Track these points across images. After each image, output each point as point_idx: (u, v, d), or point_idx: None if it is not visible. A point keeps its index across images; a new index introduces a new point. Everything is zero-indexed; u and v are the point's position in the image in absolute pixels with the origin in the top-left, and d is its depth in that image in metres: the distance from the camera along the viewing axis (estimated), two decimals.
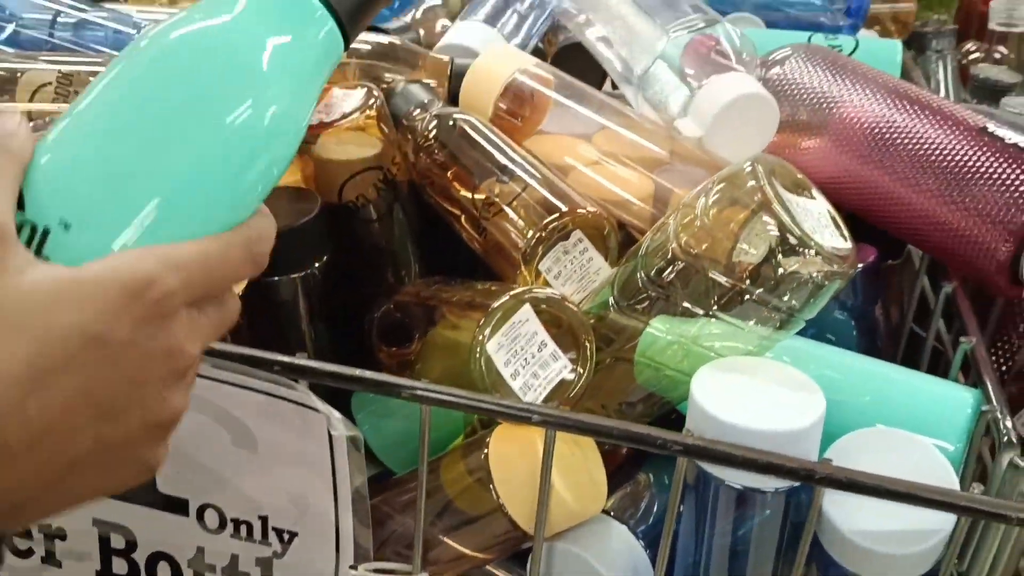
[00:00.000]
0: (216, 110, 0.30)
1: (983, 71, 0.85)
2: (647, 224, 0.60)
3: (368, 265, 0.63)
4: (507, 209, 0.55)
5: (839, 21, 0.84)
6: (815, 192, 0.50)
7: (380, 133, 0.61)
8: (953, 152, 0.57)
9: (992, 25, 1.01)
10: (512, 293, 0.47)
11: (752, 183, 0.47)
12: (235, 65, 0.30)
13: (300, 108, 0.33)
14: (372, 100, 0.60)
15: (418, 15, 0.78)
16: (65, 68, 0.61)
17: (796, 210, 0.47)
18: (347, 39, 0.35)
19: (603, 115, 0.65)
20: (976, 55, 1.09)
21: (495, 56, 0.65)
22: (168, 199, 0.29)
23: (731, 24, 0.83)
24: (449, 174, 0.60)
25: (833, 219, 0.49)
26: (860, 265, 0.59)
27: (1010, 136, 0.56)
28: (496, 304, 0.47)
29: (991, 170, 0.56)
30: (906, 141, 0.60)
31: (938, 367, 0.63)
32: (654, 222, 0.61)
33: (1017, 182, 0.55)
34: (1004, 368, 0.68)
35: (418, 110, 0.64)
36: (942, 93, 0.96)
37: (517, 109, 0.64)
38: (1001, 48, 1.05)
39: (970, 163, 0.57)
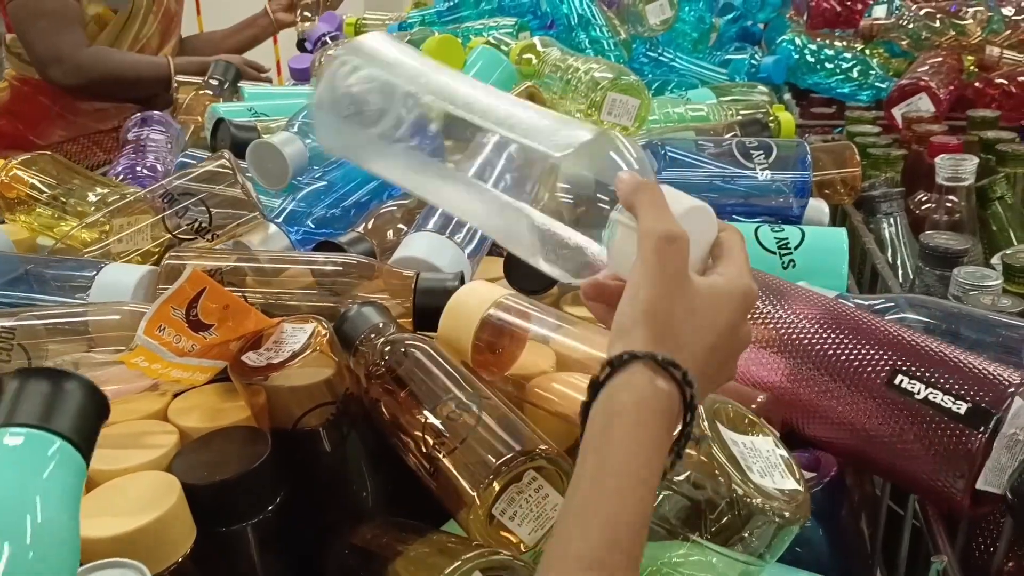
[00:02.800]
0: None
1: (933, 239, 0.86)
2: None
3: (323, 494, 0.62)
4: (458, 447, 0.54)
5: (789, 199, 0.86)
6: (767, 429, 0.49)
7: (331, 359, 0.60)
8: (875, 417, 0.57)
9: (940, 180, 1.03)
10: (464, 557, 0.46)
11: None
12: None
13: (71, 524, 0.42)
14: (321, 334, 0.59)
15: (369, 225, 0.78)
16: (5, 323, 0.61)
17: (742, 452, 0.47)
18: (87, 458, 0.44)
19: (561, 327, 0.65)
20: (929, 205, 1.11)
21: (470, 293, 0.65)
22: None
23: None
24: (400, 404, 0.59)
25: (783, 458, 0.48)
26: (824, 480, 0.58)
27: (920, 391, 0.56)
28: (447, 571, 0.45)
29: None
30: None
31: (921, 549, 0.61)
32: None
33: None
34: (991, 549, 0.67)
35: (373, 333, 0.64)
36: (899, 257, 0.97)
37: (496, 341, 0.64)
38: (952, 197, 1.07)
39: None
